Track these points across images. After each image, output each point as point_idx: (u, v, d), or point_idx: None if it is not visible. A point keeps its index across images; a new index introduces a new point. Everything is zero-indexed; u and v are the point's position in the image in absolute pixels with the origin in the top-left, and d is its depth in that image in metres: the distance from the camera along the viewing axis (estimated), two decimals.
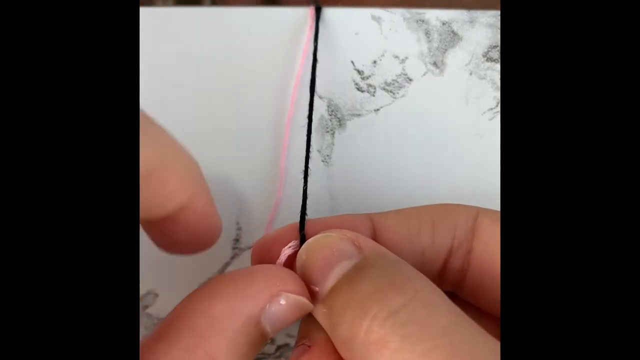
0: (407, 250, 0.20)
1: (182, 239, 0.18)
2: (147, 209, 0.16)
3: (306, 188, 0.21)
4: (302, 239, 0.19)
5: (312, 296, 0.18)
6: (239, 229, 0.26)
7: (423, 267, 0.20)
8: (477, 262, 0.20)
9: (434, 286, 0.17)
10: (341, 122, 0.25)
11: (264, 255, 0.20)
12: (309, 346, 0.18)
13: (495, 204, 0.25)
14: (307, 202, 0.24)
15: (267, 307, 0.16)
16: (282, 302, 0.17)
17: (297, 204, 0.26)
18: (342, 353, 0.17)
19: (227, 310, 0.16)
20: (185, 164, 0.17)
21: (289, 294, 0.17)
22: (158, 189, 0.15)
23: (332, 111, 0.25)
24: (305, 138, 0.25)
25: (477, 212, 0.21)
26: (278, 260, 0.19)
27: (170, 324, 0.16)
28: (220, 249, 0.26)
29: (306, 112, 0.25)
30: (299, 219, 0.20)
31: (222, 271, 0.27)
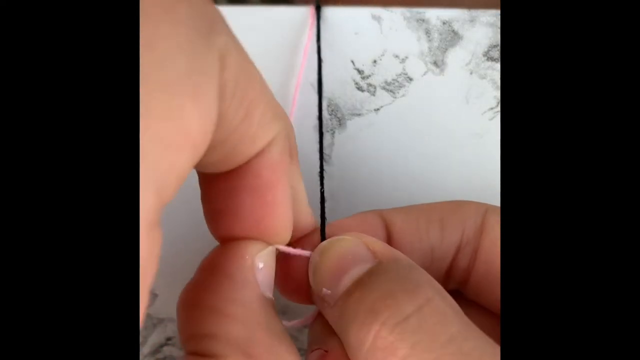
0: (417, 248, 0.20)
1: (243, 204, 0.16)
2: (234, 136, 0.14)
3: (323, 191, 0.21)
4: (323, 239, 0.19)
5: (323, 300, 0.17)
6: None
7: (432, 265, 0.20)
8: (483, 259, 0.20)
9: (445, 293, 0.17)
10: (341, 122, 0.25)
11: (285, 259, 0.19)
12: (326, 351, 0.18)
13: (495, 203, 0.25)
14: (308, 201, 0.24)
15: (259, 280, 0.16)
16: (261, 265, 0.16)
17: None
18: (352, 358, 0.17)
19: (249, 315, 0.16)
20: (270, 94, 0.15)
21: (260, 255, 0.17)
22: (243, 109, 0.14)
23: (332, 111, 0.25)
24: (305, 137, 0.25)
25: (486, 210, 0.20)
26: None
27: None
28: None
29: (305, 112, 0.25)
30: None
31: None
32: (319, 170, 0.26)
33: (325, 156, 0.26)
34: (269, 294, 0.17)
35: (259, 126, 0.15)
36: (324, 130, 0.25)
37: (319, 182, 0.26)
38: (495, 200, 0.25)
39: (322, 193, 0.21)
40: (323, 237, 0.19)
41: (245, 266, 0.16)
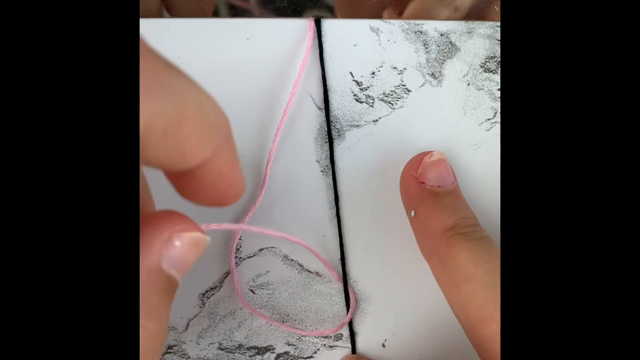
0: None
1: (201, 193, 0.17)
2: (164, 165, 0.16)
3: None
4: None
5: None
6: (240, 238, 0.27)
7: None
8: None
9: None
10: (340, 133, 0.25)
11: None
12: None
13: (492, 214, 0.25)
14: (306, 212, 0.25)
15: (165, 253, 0.16)
16: (177, 243, 0.17)
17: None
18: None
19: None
20: (208, 119, 0.16)
21: (181, 234, 0.17)
22: (175, 147, 0.15)
23: (331, 122, 0.25)
24: (306, 148, 0.26)
25: None
26: None
27: None
28: (221, 257, 0.27)
29: (305, 123, 0.25)
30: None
31: (222, 280, 0.27)
32: (314, 178, 0.26)
33: (324, 167, 0.26)
34: (175, 273, 0.17)
35: (194, 149, 0.16)
36: (323, 141, 0.26)
37: (321, 191, 0.26)
38: (494, 209, 0.25)
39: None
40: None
41: (158, 237, 0.17)
